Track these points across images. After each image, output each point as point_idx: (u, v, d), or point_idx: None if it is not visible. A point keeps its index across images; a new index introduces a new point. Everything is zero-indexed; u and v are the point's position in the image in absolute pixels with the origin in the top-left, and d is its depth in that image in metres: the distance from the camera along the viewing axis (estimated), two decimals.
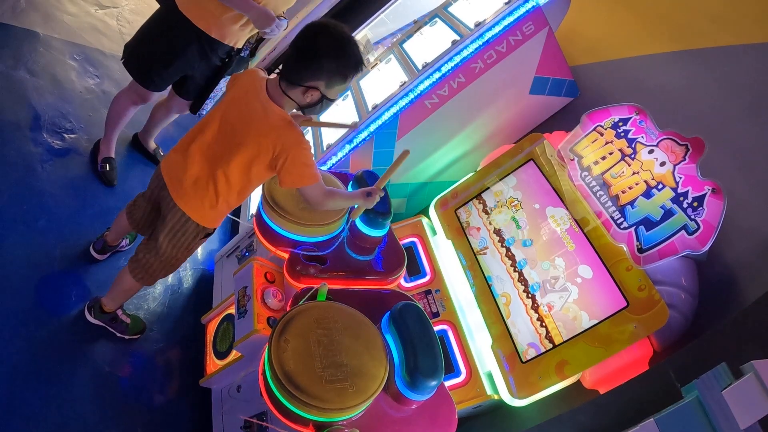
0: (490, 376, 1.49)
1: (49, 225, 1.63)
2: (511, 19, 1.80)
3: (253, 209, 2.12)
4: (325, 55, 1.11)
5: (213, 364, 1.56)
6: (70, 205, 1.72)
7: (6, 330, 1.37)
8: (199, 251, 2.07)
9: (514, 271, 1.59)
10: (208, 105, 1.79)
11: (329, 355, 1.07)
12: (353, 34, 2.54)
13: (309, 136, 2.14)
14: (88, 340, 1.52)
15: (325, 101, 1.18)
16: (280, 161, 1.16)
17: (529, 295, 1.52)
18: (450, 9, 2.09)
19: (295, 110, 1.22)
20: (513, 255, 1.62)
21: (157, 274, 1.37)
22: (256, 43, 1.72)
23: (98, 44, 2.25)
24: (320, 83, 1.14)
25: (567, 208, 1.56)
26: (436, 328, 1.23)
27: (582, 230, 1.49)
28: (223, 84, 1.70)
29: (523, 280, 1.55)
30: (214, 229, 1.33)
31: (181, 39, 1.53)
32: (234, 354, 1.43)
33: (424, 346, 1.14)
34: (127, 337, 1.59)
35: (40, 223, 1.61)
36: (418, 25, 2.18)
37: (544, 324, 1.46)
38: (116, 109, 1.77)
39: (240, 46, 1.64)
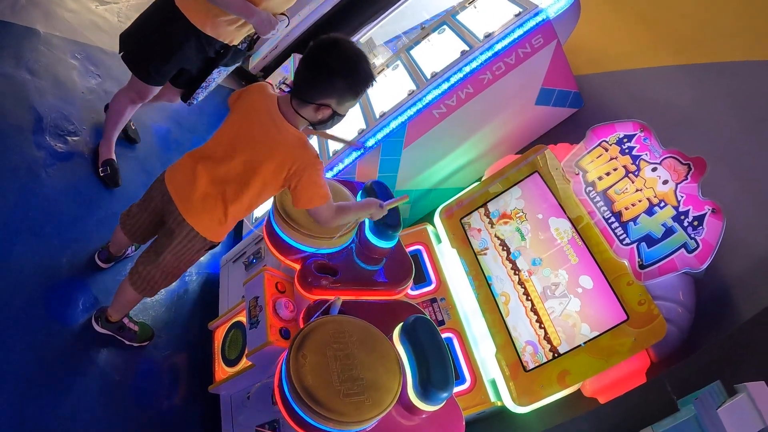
0: (493, 383, 1.54)
1: (54, 232, 1.61)
2: (520, 32, 1.81)
3: (257, 214, 2.13)
4: (336, 74, 1.10)
5: (222, 371, 1.58)
6: (75, 210, 1.71)
7: (15, 339, 1.37)
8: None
9: (515, 273, 1.64)
10: (200, 95, 1.76)
11: (345, 369, 1.10)
12: (358, 35, 2.53)
13: (314, 142, 2.14)
14: (97, 348, 1.52)
15: (336, 117, 1.19)
16: (293, 181, 1.17)
17: (529, 297, 1.57)
18: (458, 17, 2.09)
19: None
20: (514, 259, 1.66)
21: (159, 285, 1.37)
22: (256, 37, 1.69)
23: (99, 42, 2.20)
24: (332, 101, 1.13)
25: (567, 215, 1.59)
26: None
27: (581, 237, 1.53)
28: (215, 74, 1.68)
29: (522, 282, 1.60)
30: (219, 242, 1.33)
31: (178, 34, 1.51)
32: (244, 362, 1.45)
33: (436, 359, 1.18)
34: (135, 344, 1.60)
35: (46, 230, 1.59)
36: (425, 31, 2.17)
37: (543, 326, 1.51)
38: (115, 108, 1.75)
39: (236, 43, 1.63)
